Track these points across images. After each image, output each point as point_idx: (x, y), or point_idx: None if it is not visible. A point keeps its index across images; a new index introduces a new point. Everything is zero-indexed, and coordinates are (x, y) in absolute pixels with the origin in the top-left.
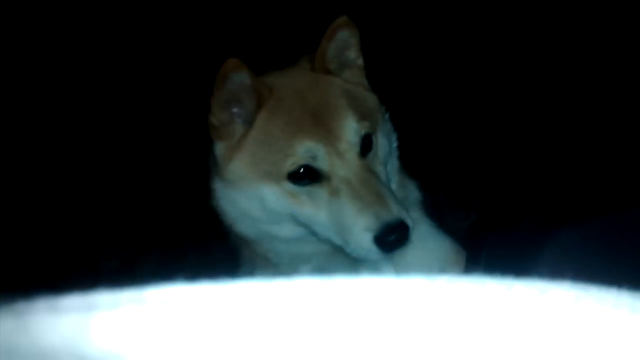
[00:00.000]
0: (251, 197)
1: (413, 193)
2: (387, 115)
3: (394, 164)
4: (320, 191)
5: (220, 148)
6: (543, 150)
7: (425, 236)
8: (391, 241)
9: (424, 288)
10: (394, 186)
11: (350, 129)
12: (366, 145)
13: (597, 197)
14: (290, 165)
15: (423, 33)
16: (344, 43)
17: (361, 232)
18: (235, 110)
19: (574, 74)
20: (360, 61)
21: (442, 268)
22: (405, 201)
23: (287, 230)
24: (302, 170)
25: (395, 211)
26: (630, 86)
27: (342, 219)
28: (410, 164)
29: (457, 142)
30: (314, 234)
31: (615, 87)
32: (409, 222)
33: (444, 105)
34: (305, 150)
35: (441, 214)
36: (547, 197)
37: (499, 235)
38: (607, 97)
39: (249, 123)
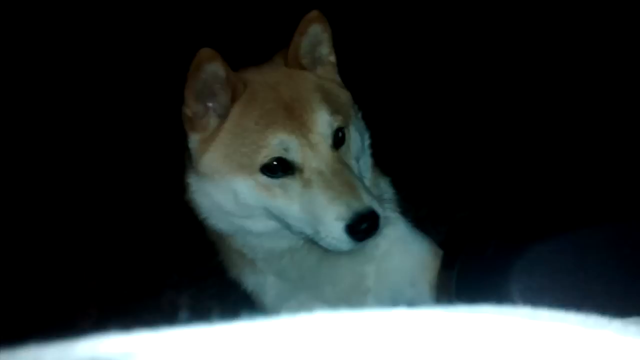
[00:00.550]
0: (225, 190)
1: (386, 191)
2: (359, 114)
3: (367, 160)
4: (293, 183)
5: (194, 140)
6: (521, 165)
7: (403, 238)
8: (362, 230)
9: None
10: (367, 182)
11: (323, 122)
12: (339, 139)
13: (572, 210)
14: (263, 157)
15: (407, 44)
16: (316, 38)
17: (333, 222)
18: (210, 103)
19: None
20: (332, 58)
21: (420, 271)
22: (379, 198)
23: (261, 224)
24: (275, 162)
25: (366, 200)
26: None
27: (314, 210)
28: (393, 177)
29: (439, 156)
30: (287, 227)
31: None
32: (379, 211)
33: (424, 114)
34: (278, 142)
35: (424, 228)
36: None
37: (472, 249)
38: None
39: (224, 116)
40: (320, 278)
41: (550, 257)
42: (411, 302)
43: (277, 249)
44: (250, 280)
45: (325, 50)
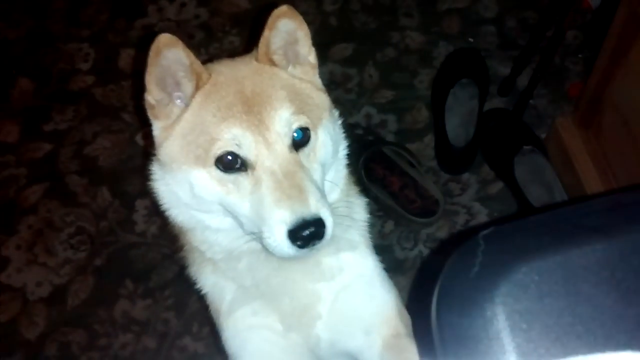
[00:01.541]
0: (181, 181)
1: (359, 214)
2: (338, 120)
3: (339, 169)
4: (245, 180)
5: (157, 128)
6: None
7: (368, 279)
8: (304, 237)
9: None
10: (336, 195)
11: (281, 120)
12: (302, 141)
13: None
14: (216, 149)
15: None
16: (290, 35)
17: (275, 224)
18: (173, 91)
19: None
20: (312, 58)
21: (377, 323)
22: (348, 219)
23: (217, 219)
24: (229, 157)
25: (312, 206)
26: None
27: (261, 210)
28: None
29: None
30: (240, 225)
31: None
32: (327, 220)
33: None
34: (232, 136)
35: (389, 244)
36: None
37: (455, 268)
38: None
39: (186, 104)
40: (275, 288)
41: (538, 280)
42: (359, 351)
43: (235, 250)
44: (208, 281)
45: (304, 50)
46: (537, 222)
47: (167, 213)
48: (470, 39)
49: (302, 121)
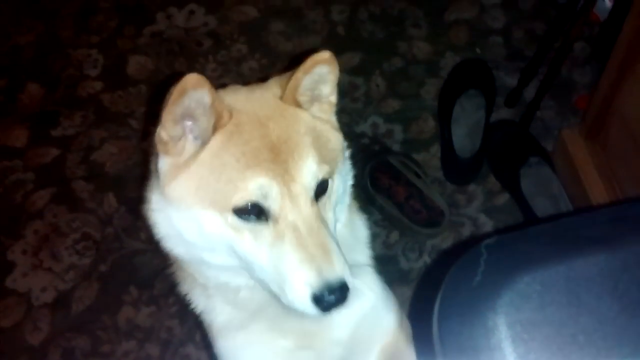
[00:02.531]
0: (189, 220)
1: (360, 232)
2: (347, 153)
3: (344, 202)
4: (265, 231)
5: (165, 163)
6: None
7: (375, 306)
8: (329, 302)
9: None
10: (340, 226)
11: (309, 172)
12: (321, 190)
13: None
14: (238, 199)
15: None
16: (321, 78)
17: (300, 286)
18: (188, 124)
19: None
20: (333, 98)
21: (379, 340)
22: (354, 238)
23: (221, 258)
24: (250, 206)
25: (338, 270)
26: None
27: (283, 267)
28: None
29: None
30: (249, 271)
31: None
32: (350, 283)
33: None
34: (258, 187)
35: (394, 254)
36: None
37: (457, 276)
38: None
39: (202, 142)
40: (282, 312)
41: (540, 290)
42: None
43: (233, 284)
44: (199, 302)
45: (327, 90)
46: (539, 232)
47: (161, 243)
48: (478, 50)
49: (325, 172)
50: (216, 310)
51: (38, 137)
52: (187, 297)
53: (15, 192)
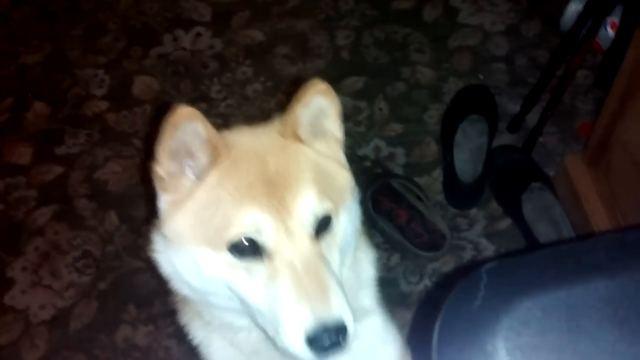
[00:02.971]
0: (187, 260)
1: (366, 271)
2: (356, 192)
3: (352, 243)
4: (260, 269)
5: (164, 201)
6: None
7: (379, 337)
8: (324, 346)
9: None
10: (347, 264)
11: (307, 207)
12: (323, 228)
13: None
14: (232, 235)
15: None
16: (321, 111)
17: (293, 327)
18: (186, 162)
19: None
20: (338, 133)
21: None
22: (359, 279)
23: (222, 300)
24: (245, 242)
25: (335, 310)
26: None
27: (276, 307)
28: None
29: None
30: (249, 315)
31: None
32: (349, 325)
33: None
34: (252, 222)
35: (394, 277)
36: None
37: (457, 300)
38: None
39: (199, 178)
40: (276, 356)
41: (540, 316)
42: None
43: (236, 324)
44: (198, 334)
45: (331, 125)
46: (540, 257)
47: (170, 284)
48: (481, 76)
49: (326, 208)
50: (214, 346)
51: (42, 154)
52: (186, 328)
53: (17, 209)
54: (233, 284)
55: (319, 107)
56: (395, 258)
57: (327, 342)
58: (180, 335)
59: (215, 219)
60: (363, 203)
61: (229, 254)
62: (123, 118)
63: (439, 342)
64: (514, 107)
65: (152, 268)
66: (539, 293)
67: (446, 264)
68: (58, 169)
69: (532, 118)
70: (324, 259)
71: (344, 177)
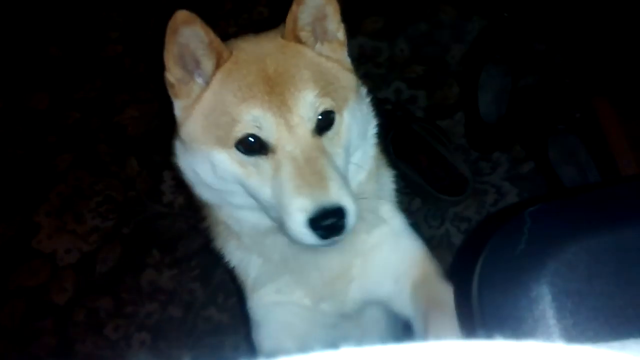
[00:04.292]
0: (203, 160)
1: (387, 185)
2: (367, 99)
3: (367, 151)
4: (265, 164)
5: (178, 107)
6: None
7: (395, 233)
8: (325, 226)
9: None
10: (363, 174)
11: (305, 102)
12: (325, 124)
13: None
14: (236, 132)
15: None
16: (319, 10)
17: (295, 212)
18: (194, 69)
19: None
20: (341, 35)
21: (404, 269)
22: (380, 192)
23: (240, 198)
24: (251, 139)
25: (334, 195)
26: None
27: (281, 196)
28: None
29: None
30: (262, 208)
31: None
32: (349, 210)
33: None
34: (252, 118)
35: (415, 221)
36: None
37: (499, 244)
38: None
39: (205, 82)
40: (305, 264)
41: (588, 259)
42: (389, 298)
43: (262, 226)
44: (234, 255)
45: (333, 26)
46: (587, 199)
47: (192, 189)
48: (505, 14)
49: (326, 104)
50: (249, 264)
51: (60, 100)
52: (221, 251)
53: (38, 155)
54: (244, 179)
55: (316, 6)
56: (417, 202)
57: (328, 223)
58: (204, 278)
59: (222, 119)
60: (384, 147)
61: (237, 151)
62: (139, 61)
63: (480, 287)
64: (540, 47)
65: (174, 213)
66: (586, 237)
67: (468, 208)
68: (76, 115)
69: (558, 58)
70: (325, 152)
71: (346, 78)
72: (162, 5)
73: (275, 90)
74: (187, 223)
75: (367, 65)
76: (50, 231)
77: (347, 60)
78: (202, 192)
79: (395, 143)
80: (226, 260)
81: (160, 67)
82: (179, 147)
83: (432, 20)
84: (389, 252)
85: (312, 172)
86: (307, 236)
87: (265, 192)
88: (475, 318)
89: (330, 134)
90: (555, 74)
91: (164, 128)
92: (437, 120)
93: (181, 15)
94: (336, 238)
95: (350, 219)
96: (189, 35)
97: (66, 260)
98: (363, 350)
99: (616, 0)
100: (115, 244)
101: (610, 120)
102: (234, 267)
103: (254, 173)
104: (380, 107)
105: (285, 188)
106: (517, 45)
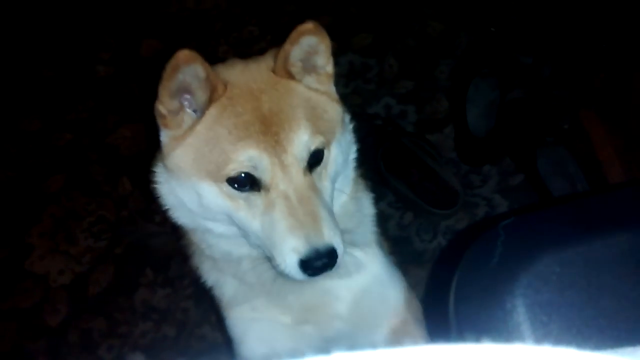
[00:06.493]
0: (189, 190)
1: (367, 209)
2: (350, 127)
3: (348, 175)
4: (257, 200)
5: (166, 136)
6: None
7: (380, 278)
8: (317, 267)
9: None
10: (344, 197)
11: (300, 143)
12: (315, 160)
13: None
14: (230, 169)
15: None
16: (311, 48)
17: (288, 252)
18: (185, 98)
19: None
20: (329, 68)
21: (387, 317)
22: (358, 214)
23: (222, 227)
24: (242, 176)
25: (326, 237)
26: None
27: (272, 234)
28: None
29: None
30: (246, 238)
31: None
32: (339, 249)
33: None
34: (248, 158)
35: (407, 235)
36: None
37: (475, 257)
38: None
39: (198, 115)
40: (281, 288)
41: (559, 271)
42: (365, 335)
43: (235, 254)
44: (210, 275)
45: (321, 61)
46: (558, 212)
47: (169, 214)
48: (492, 29)
49: (318, 143)
50: (225, 284)
51: (52, 121)
52: (198, 271)
53: (31, 176)
54: (232, 212)
55: (309, 44)
56: (409, 216)
57: (319, 265)
58: (198, 296)
59: (215, 154)
60: (374, 162)
61: (229, 186)
62: (131, 82)
63: (456, 300)
64: (527, 60)
65: (167, 232)
66: (557, 249)
67: (460, 221)
68: (68, 136)
69: (546, 71)
70: (316, 190)
71: (334, 110)
72: (153, 27)
73: (270, 130)
74: (179, 240)
75: (356, 81)
76: (43, 252)
77: (334, 91)
78: (180, 216)
79: (386, 158)
80: (202, 279)
81: (151, 95)
82: (161, 173)
83: (420, 36)
84: (375, 300)
85: (305, 212)
86: (297, 274)
87: (255, 225)
88: (451, 330)
89: (319, 169)
90: (542, 87)
91: (156, 148)
92: (427, 135)
93: (183, 54)
94: (323, 274)
95: (340, 256)
96: (189, 72)
97: (59, 281)
98: (355, 355)
99: (602, 14)
100: (108, 263)
101: (598, 131)
102: (210, 288)
103: (244, 207)
104: (371, 123)
105: (278, 227)
106: (504, 59)
